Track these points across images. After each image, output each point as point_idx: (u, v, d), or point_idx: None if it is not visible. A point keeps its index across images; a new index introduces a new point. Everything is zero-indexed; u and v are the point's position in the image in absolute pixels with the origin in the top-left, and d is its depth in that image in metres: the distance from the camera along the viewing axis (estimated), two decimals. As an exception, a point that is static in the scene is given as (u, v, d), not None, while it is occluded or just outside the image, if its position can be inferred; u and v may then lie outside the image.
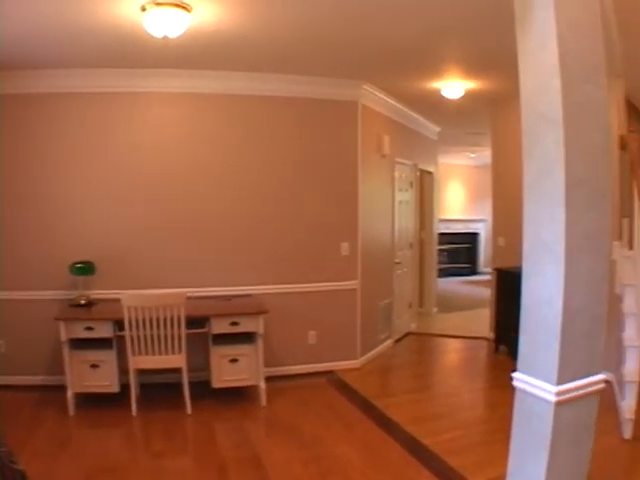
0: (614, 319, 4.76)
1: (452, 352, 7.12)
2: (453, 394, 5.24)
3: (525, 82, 2.56)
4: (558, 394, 2.36)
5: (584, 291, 2.43)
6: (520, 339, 2.62)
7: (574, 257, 2.38)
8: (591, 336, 2.49)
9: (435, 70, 5.32)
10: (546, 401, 2.40)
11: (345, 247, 5.88)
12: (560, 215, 2.36)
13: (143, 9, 3.49)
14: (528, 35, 2.51)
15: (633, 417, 3.99)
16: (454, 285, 12.47)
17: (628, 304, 4.69)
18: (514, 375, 2.61)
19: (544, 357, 2.44)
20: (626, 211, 5.01)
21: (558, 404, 2.37)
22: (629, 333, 4.53)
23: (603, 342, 2.57)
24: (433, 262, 9.19)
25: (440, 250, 11.33)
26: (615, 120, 5.01)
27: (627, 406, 4.07)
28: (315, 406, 4.86)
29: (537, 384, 2.46)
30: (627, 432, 4.01)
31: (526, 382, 2.53)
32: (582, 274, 2.42)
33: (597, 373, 2.53)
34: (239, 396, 4.97)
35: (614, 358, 4.74)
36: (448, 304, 9.89)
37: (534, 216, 2.54)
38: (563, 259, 2.35)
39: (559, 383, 2.38)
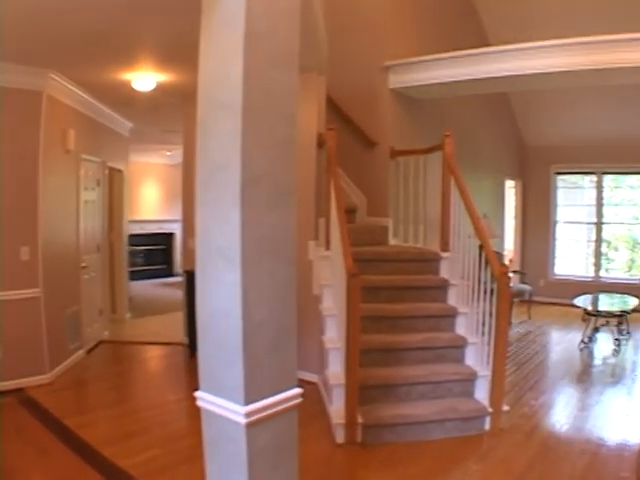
0: (315, 320, 4.79)
1: (148, 360, 6.81)
2: (151, 407, 4.92)
3: (204, 65, 2.25)
4: (248, 415, 2.15)
5: (267, 299, 2.22)
6: (200, 355, 2.35)
7: (253, 263, 2.15)
8: (280, 349, 2.30)
9: (125, 59, 4.90)
10: (236, 423, 2.17)
11: (25, 251, 5.20)
12: (235, 216, 2.09)
13: None
14: (213, 11, 2.16)
15: (343, 421, 3.91)
16: (150, 288, 12.08)
17: (326, 305, 4.64)
18: (197, 394, 2.34)
19: (228, 375, 2.19)
20: (323, 211, 5.12)
21: (250, 425, 2.16)
22: (329, 335, 4.45)
23: (295, 354, 2.39)
24: (124, 265, 8.70)
25: (135, 252, 10.87)
26: (316, 117, 5.11)
27: (335, 411, 4.01)
28: (5, 430, 4.21)
29: (224, 404, 2.21)
30: (339, 437, 3.94)
31: (212, 402, 2.27)
32: (263, 281, 2.20)
33: (291, 387, 2.36)
34: None
35: (319, 361, 4.69)
36: (143, 308, 9.53)
37: (207, 218, 2.24)
38: (239, 265, 2.10)
39: (247, 403, 2.16)
